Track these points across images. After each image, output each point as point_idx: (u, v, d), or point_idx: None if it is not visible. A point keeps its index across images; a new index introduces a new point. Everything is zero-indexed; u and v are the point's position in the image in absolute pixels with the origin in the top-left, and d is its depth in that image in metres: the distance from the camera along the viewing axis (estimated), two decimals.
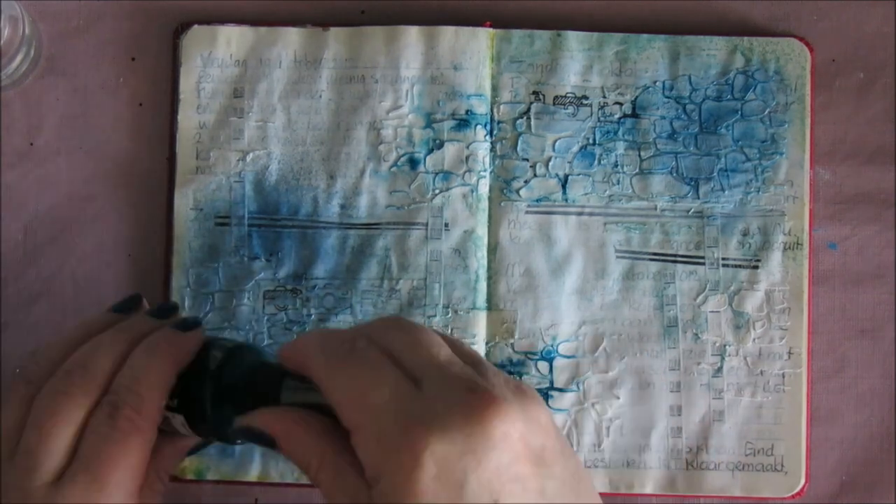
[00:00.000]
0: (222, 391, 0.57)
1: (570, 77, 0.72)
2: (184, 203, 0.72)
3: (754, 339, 0.71)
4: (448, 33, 0.72)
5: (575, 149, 0.72)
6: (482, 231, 0.72)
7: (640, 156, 0.72)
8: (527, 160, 0.72)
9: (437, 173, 0.72)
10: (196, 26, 0.72)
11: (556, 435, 0.51)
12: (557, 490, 0.49)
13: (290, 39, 0.72)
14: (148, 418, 0.56)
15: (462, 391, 0.49)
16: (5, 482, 0.54)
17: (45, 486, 0.54)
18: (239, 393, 0.56)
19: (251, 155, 0.72)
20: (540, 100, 0.72)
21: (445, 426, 0.48)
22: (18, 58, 0.70)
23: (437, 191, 0.72)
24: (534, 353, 0.71)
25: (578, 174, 0.72)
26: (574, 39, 0.72)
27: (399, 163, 0.72)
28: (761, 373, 0.71)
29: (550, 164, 0.72)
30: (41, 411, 0.55)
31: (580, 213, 0.72)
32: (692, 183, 0.72)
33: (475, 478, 0.47)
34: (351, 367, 0.51)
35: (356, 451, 0.50)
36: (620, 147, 0.72)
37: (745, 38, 0.72)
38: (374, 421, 0.49)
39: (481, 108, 0.72)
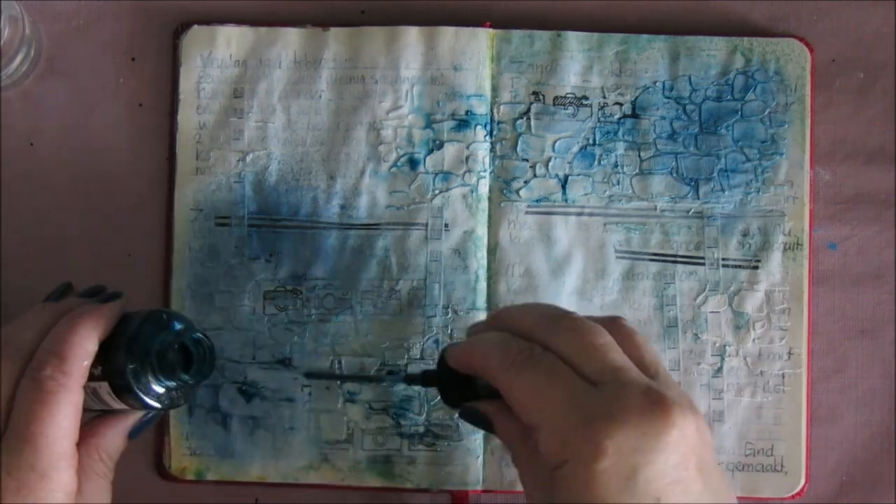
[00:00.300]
0: (138, 356, 0.59)
1: (570, 77, 0.72)
2: (184, 203, 0.72)
3: (754, 340, 0.71)
4: (448, 34, 0.72)
5: (575, 149, 0.72)
6: (482, 231, 0.72)
7: (640, 156, 0.72)
8: (527, 160, 0.72)
9: (436, 174, 0.72)
10: (196, 26, 0.72)
11: (713, 448, 0.55)
12: (712, 498, 0.54)
13: (290, 40, 0.72)
14: (71, 376, 0.57)
15: (638, 393, 0.53)
16: None
17: None
18: (154, 358, 0.59)
19: (251, 155, 0.72)
20: (540, 100, 0.72)
21: (623, 421, 0.52)
22: (18, 58, 0.70)
23: (436, 191, 0.72)
24: None
25: (578, 174, 0.72)
26: (574, 40, 0.72)
27: (399, 163, 0.72)
28: (761, 373, 0.71)
29: (550, 164, 0.72)
30: None
31: (580, 214, 0.72)
32: (692, 183, 0.72)
33: (644, 474, 0.52)
34: (530, 373, 0.56)
35: (538, 445, 0.55)
36: (620, 147, 0.72)
37: (745, 39, 0.72)
38: (556, 416, 0.54)
39: (481, 108, 0.72)
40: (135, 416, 0.62)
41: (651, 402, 0.53)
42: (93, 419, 0.62)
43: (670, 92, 0.72)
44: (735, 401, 0.71)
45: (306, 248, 0.71)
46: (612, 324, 0.59)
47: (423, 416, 0.71)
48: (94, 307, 0.60)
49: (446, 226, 0.72)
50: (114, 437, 0.62)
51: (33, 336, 0.59)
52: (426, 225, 0.72)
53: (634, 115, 0.72)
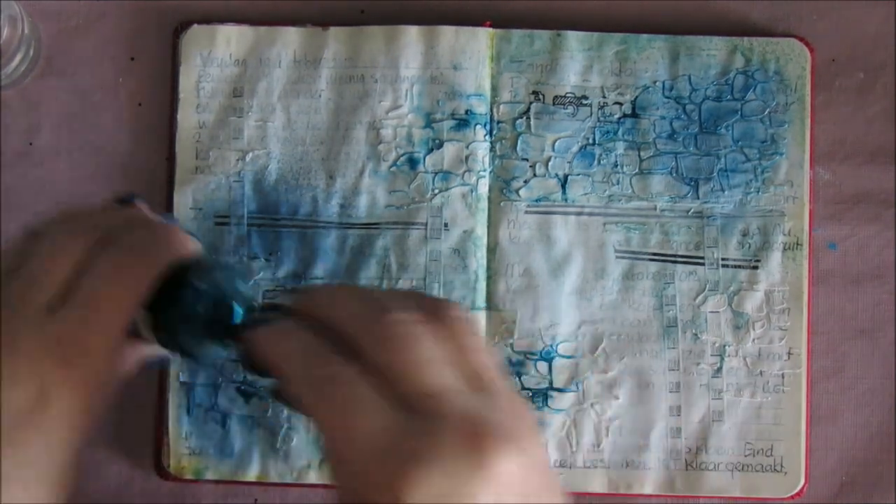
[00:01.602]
0: (193, 308, 0.56)
1: (570, 77, 0.72)
2: (183, 202, 0.72)
3: (754, 340, 0.71)
4: (448, 33, 0.72)
5: (574, 149, 0.72)
6: (481, 231, 0.72)
7: (639, 156, 0.72)
8: (526, 160, 0.72)
9: (436, 173, 0.72)
10: (195, 26, 0.72)
11: (545, 470, 0.49)
12: None
13: (290, 39, 0.72)
14: (148, 266, 0.54)
15: (449, 430, 0.45)
16: (3, 304, 0.54)
17: (39, 312, 0.53)
18: (206, 319, 0.56)
19: (251, 154, 0.72)
20: (539, 100, 0.72)
21: (431, 467, 0.44)
22: (18, 58, 0.70)
23: (436, 191, 0.72)
24: (533, 354, 0.71)
25: (578, 174, 0.72)
26: (574, 39, 0.72)
27: (398, 162, 0.72)
28: (761, 373, 0.71)
29: (550, 164, 0.72)
30: (43, 246, 0.55)
31: (580, 214, 0.72)
32: (692, 183, 0.72)
33: None
34: (331, 399, 0.48)
35: (335, 480, 0.48)
36: (620, 147, 0.72)
37: (745, 39, 0.72)
38: (355, 456, 0.46)
39: (481, 107, 0.72)
40: (156, 350, 0.59)
41: (463, 438, 0.45)
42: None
43: (670, 92, 0.72)
44: (734, 401, 0.71)
45: (306, 247, 0.71)
46: (441, 317, 0.50)
47: None
48: (180, 231, 0.57)
49: (446, 225, 0.72)
50: (132, 358, 0.59)
51: (121, 224, 0.56)
52: (426, 224, 0.72)
53: (634, 115, 0.72)
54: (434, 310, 0.51)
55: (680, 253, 0.72)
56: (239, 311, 0.57)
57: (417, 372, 0.47)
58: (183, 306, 0.56)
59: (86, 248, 0.54)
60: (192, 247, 0.57)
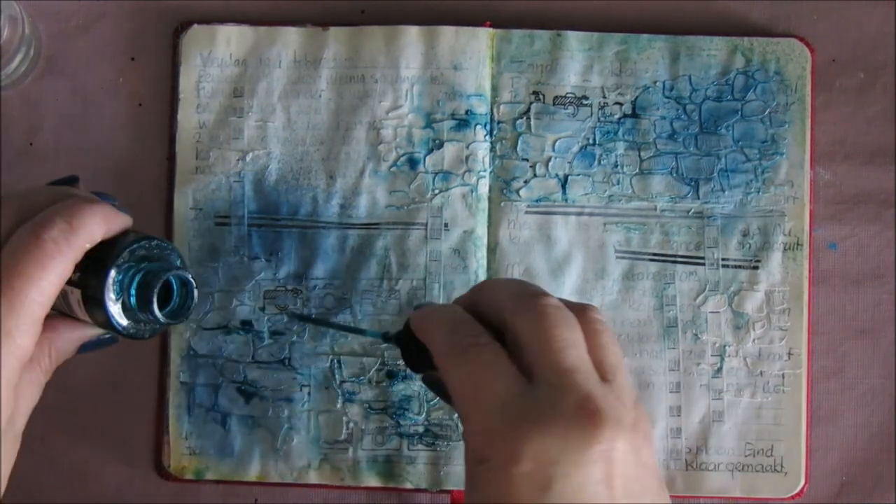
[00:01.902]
0: (121, 277, 0.56)
1: (570, 77, 0.72)
2: (183, 203, 0.72)
3: (754, 340, 0.71)
4: (448, 33, 0.72)
5: (575, 149, 0.72)
6: (482, 231, 0.72)
7: (640, 156, 0.72)
8: (526, 160, 0.72)
9: (436, 173, 0.72)
10: (196, 26, 0.72)
11: (653, 472, 0.53)
12: None
13: (290, 39, 0.72)
14: (73, 248, 0.54)
15: (573, 401, 0.51)
16: None
17: None
18: (136, 284, 0.57)
19: (251, 155, 0.72)
20: (540, 100, 0.72)
21: (547, 430, 0.50)
22: (18, 58, 0.70)
23: (436, 191, 0.72)
24: None
25: (578, 174, 0.72)
26: (574, 39, 0.72)
27: (399, 163, 0.72)
28: (761, 373, 0.71)
29: (550, 164, 0.72)
30: None
31: (580, 214, 0.72)
32: (692, 183, 0.72)
33: (560, 486, 0.49)
34: (468, 362, 0.54)
35: (465, 436, 0.53)
36: (620, 147, 0.72)
37: (746, 39, 0.72)
38: (484, 413, 0.52)
39: (481, 108, 0.72)
40: (94, 331, 0.60)
41: (583, 412, 0.50)
42: (54, 315, 0.59)
43: (670, 92, 0.72)
44: (735, 401, 0.71)
45: (306, 247, 0.71)
46: (584, 314, 0.56)
47: (423, 416, 0.71)
48: (110, 207, 0.57)
49: (446, 225, 0.72)
50: (69, 339, 0.59)
51: (43, 201, 0.56)
52: (426, 225, 0.72)
53: (634, 115, 0.72)
54: (577, 307, 0.56)
55: (680, 253, 0.72)
56: (173, 282, 0.58)
57: (558, 349, 0.52)
58: (114, 281, 0.56)
59: (8, 226, 0.54)
60: (121, 221, 0.57)
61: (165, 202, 0.72)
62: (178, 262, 0.59)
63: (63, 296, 0.57)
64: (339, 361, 0.71)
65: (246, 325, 0.71)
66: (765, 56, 0.72)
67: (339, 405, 0.71)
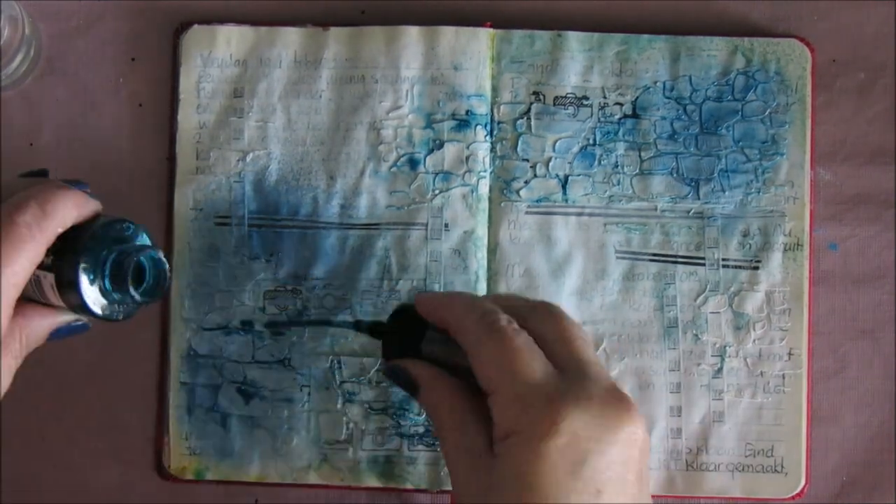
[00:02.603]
0: (92, 258, 0.57)
1: (571, 77, 0.72)
2: (184, 203, 0.72)
3: (754, 340, 0.71)
4: (448, 33, 0.72)
5: (575, 149, 0.72)
6: (482, 231, 0.72)
7: (640, 156, 0.72)
8: (527, 160, 0.72)
9: (436, 173, 0.72)
10: (196, 26, 0.72)
11: (647, 464, 0.56)
12: None
13: (291, 39, 0.72)
14: (45, 233, 0.55)
15: (602, 387, 0.54)
16: None
17: None
18: (108, 264, 0.57)
19: (251, 155, 0.72)
20: (540, 100, 0.72)
21: (585, 407, 0.53)
22: (18, 58, 0.70)
23: (436, 191, 0.72)
24: None
25: (578, 175, 0.72)
26: (574, 40, 0.72)
27: (399, 163, 0.72)
28: (761, 374, 0.71)
29: (550, 164, 0.72)
30: None
31: (580, 214, 0.72)
32: (692, 184, 0.72)
33: (593, 462, 0.52)
34: (503, 340, 0.56)
35: (492, 409, 0.55)
36: (621, 147, 0.72)
37: (746, 39, 0.72)
38: (521, 387, 0.54)
39: (481, 108, 0.72)
40: (66, 317, 0.60)
41: (614, 397, 0.54)
42: (26, 302, 0.59)
43: (671, 92, 0.72)
44: (735, 401, 0.71)
45: (306, 247, 0.71)
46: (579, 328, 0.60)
47: (423, 416, 0.71)
48: (84, 194, 0.58)
49: (446, 226, 0.72)
50: (40, 325, 0.59)
51: (15, 187, 0.57)
52: (426, 225, 0.72)
53: (635, 116, 0.72)
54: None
55: (680, 253, 0.72)
56: (145, 262, 0.58)
57: (579, 344, 0.57)
58: (85, 262, 0.57)
59: None
60: (92, 207, 0.58)
61: (166, 202, 0.72)
62: (146, 241, 0.59)
63: (35, 282, 0.58)
64: (339, 362, 0.71)
65: (246, 326, 0.71)
66: (765, 56, 0.72)
67: (339, 405, 0.71)
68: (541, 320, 0.58)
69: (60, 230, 0.56)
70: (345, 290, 0.71)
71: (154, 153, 0.73)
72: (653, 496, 0.70)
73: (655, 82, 0.72)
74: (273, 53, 0.72)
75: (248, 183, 0.72)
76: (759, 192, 0.72)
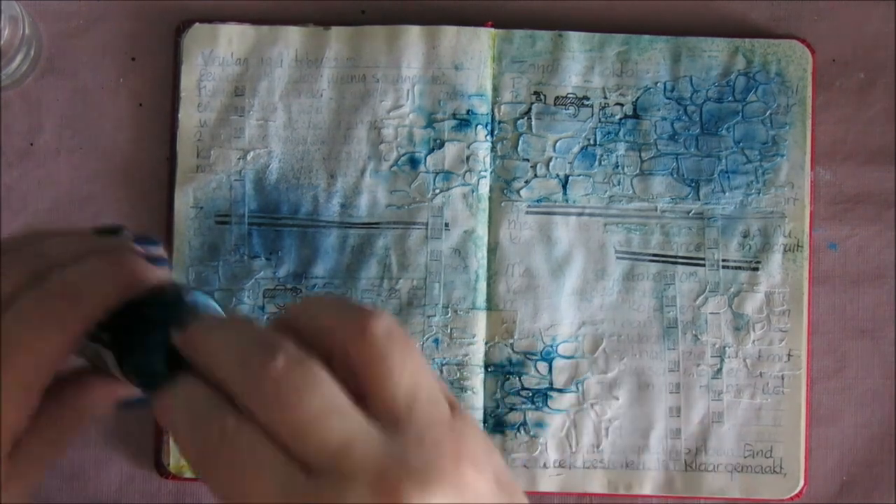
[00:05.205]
0: (153, 333, 0.49)
1: (572, 77, 0.72)
2: (184, 201, 0.72)
3: (754, 341, 0.71)
4: (449, 33, 0.72)
5: (576, 149, 0.72)
6: (482, 231, 0.72)
7: (640, 157, 0.72)
8: (527, 160, 0.72)
9: (437, 173, 0.72)
10: (197, 24, 0.72)
11: (495, 497, 0.43)
12: None
13: (292, 38, 0.72)
14: (77, 318, 0.46)
15: (367, 488, 0.39)
16: None
17: None
18: (163, 353, 0.48)
19: (252, 153, 0.72)
20: (541, 100, 0.72)
21: None
22: (18, 58, 0.70)
23: (437, 190, 0.72)
24: (533, 354, 0.71)
25: (579, 175, 0.72)
26: (575, 40, 0.72)
27: (399, 162, 0.72)
28: (761, 374, 0.71)
29: (551, 164, 0.72)
30: None
31: (580, 214, 0.72)
32: (693, 184, 0.72)
33: None
34: (231, 468, 0.41)
35: None
36: (621, 148, 0.72)
37: (747, 40, 0.72)
38: None
39: (482, 108, 0.72)
40: (133, 390, 0.50)
41: (376, 491, 0.39)
42: (89, 373, 0.52)
43: (671, 93, 0.72)
44: (734, 402, 0.71)
45: (307, 246, 0.71)
46: (358, 337, 0.42)
47: None
48: (136, 259, 0.49)
49: (446, 225, 0.72)
50: (101, 394, 0.51)
51: (59, 252, 0.48)
52: (426, 224, 0.72)
53: (635, 116, 0.72)
54: (350, 327, 0.42)
55: (680, 254, 0.72)
56: None
57: (315, 427, 0.40)
58: (142, 340, 0.50)
59: (17, 282, 0.47)
60: (155, 276, 0.49)
61: (166, 201, 0.72)
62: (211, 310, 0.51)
63: (99, 357, 0.51)
64: None
65: None
66: (766, 57, 0.72)
67: None
68: (261, 408, 0.41)
69: (100, 314, 0.47)
70: (345, 289, 0.71)
71: (154, 152, 0.73)
72: (652, 496, 0.71)
73: (656, 83, 0.72)
74: (274, 52, 0.72)
75: (248, 181, 0.72)
76: (759, 193, 0.72)
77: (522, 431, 0.71)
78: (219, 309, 0.51)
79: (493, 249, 0.72)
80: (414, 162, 0.72)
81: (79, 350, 0.50)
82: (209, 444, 0.41)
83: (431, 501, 0.39)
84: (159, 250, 0.52)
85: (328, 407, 0.40)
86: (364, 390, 0.42)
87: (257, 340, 0.42)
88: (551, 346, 0.71)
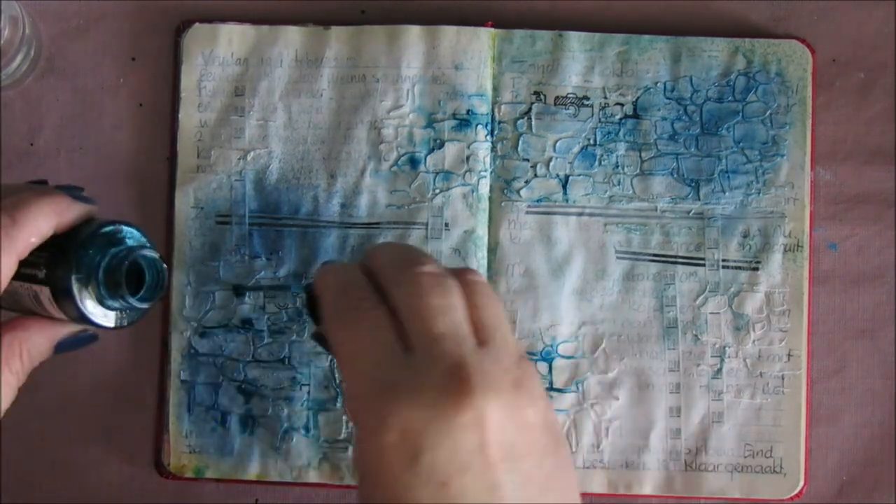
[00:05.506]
0: (85, 267, 0.55)
1: (572, 77, 0.72)
2: (184, 202, 0.72)
3: (754, 341, 0.71)
4: (449, 33, 0.72)
5: (576, 149, 0.72)
6: (482, 231, 0.72)
7: (640, 157, 0.72)
8: (527, 160, 0.72)
9: (437, 173, 0.72)
10: (197, 24, 0.72)
11: (542, 432, 0.52)
12: (518, 486, 0.51)
13: (292, 38, 0.72)
14: (14, 242, 0.53)
15: (443, 370, 0.50)
16: None
17: None
18: (102, 272, 0.55)
19: (252, 153, 0.72)
20: (541, 100, 0.72)
21: (415, 399, 0.50)
22: (18, 58, 0.70)
23: (437, 190, 0.72)
24: (533, 354, 0.71)
25: (579, 175, 0.72)
26: (575, 40, 0.72)
27: (399, 162, 0.72)
28: (761, 374, 0.71)
29: (551, 164, 0.72)
30: None
31: (580, 214, 0.72)
32: (693, 184, 0.72)
33: (429, 455, 0.49)
34: (352, 327, 0.54)
35: (344, 401, 0.54)
36: (621, 148, 0.72)
37: (747, 40, 0.72)
38: (359, 379, 0.53)
39: (482, 107, 0.72)
40: (70, 328, 0.58)
41: (452, 380, 0.50)
42: (28, 316, 0.58)
43: (671, 93, 0.72)
44: (734, 402, 0.71)
45: (307, 246, 0.71)
46: (463, 277, 0.56)
47: None
48: (65, 197, 0.55)
49: (446, 225, 0.72)
50: (41, 338, 0.57)
51: (9, 193, 0.55)
52: (426, 224, 0.72)
53: (635, 116, 0.72)
54: (457, 271, 0.56)
55: (680, 254, 0.72)
56: (142, 263, 0.56)
57: (430, 316, 0.52)
58: (78, 272, 0.55)
59: None
60: (76, 210, 0.56)
61: (166, 201, 0.72)
62: (140, 242, 0.57)
63: (34, 297, 0.56)
64: None
65: (246, 324, 0.71)
66: (766, 57, 0.72)
67: (338, 404, 0.71)
68: (400, 291, 0.54)
69: (35, 240, 0.54)
70: None
71: (154, 153, 0.73)
72: (652, 496, 0.71)
73: (656, 83, 0.72)
74: (274, 52, 0.72)
75: (248, 182, 0.72)
76: (759, 193, 0.72)
77: None
78: (143, 238, 0.58)
79: (493, 249, 0.72)
80: (414, 162, 0.72)
81: (2, 300, 0.56)
82: (349, 306, 0.54)
83: (486, 407, 0.50)
84: (84, 194, 0.58)
85: (447, 306, 0.53)
86: (470, 313, 0.54)
87: (413, 255, 0.57)
88: (551, 346, 0.71)
